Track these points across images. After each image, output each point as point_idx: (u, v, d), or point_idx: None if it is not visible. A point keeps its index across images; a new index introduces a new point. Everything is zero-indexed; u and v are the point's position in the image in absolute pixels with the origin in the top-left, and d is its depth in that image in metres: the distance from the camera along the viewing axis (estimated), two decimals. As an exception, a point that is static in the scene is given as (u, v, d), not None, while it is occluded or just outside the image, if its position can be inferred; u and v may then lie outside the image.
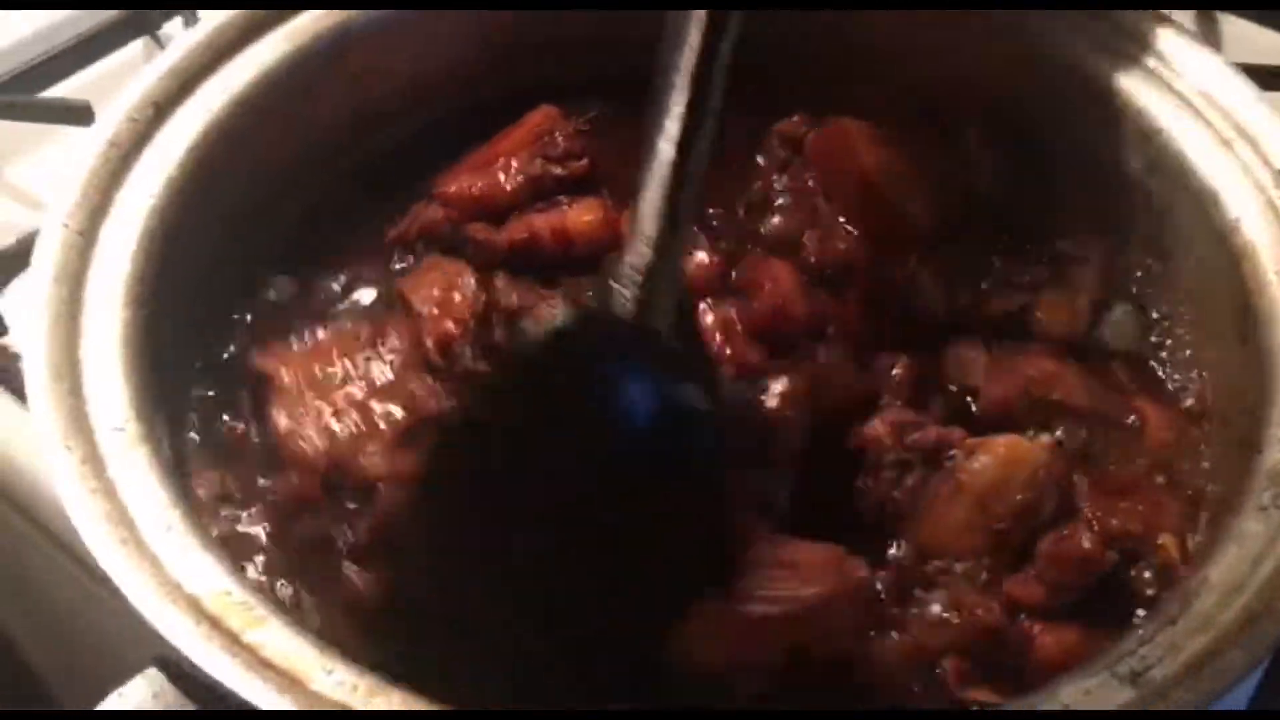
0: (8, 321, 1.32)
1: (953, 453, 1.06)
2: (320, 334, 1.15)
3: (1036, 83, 1.28)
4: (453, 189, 1.26)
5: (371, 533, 1.03)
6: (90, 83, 1.60)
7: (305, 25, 1.26)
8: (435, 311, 1.14)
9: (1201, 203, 1.16)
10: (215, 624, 0.85)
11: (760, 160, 1.31)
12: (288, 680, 0.83)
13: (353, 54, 1.29)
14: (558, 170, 1.25)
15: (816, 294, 1.18)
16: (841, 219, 1.24)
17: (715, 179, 1.26)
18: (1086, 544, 1.02)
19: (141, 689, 0.84)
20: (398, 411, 1.09)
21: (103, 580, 0.87)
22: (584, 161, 1.25)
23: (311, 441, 1.08)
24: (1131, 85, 1.22)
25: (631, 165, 0.98)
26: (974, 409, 1.13)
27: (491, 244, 1.22)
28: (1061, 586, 1.01)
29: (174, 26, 1.67)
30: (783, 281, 1.18)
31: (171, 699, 0.83)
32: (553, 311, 1.08)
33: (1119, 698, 0.84)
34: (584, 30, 1.36)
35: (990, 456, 1.05)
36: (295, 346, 1.14)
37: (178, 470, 1.01)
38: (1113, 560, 1.02)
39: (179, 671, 0.85)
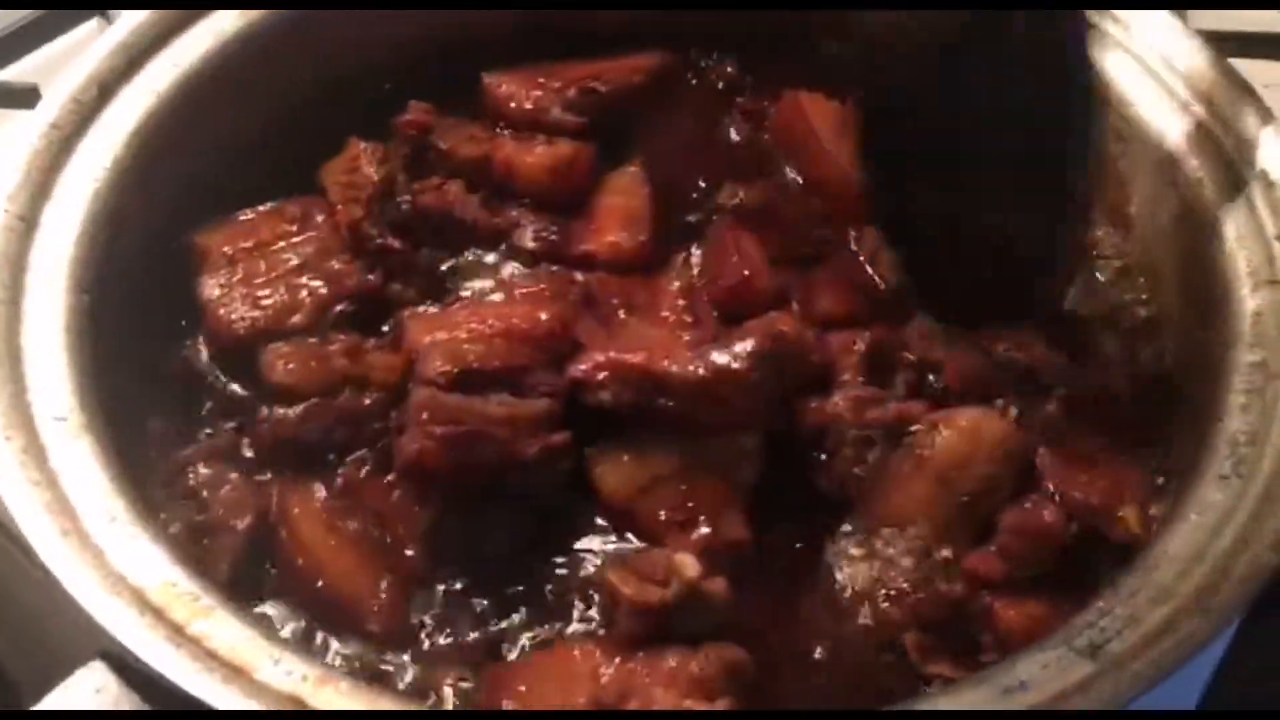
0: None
1: (914, 428, 1.05)
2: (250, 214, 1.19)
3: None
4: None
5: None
6: (39, 64, 1.56)
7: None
8: (342, 194, 1.19)
9: (1161, 168, 1.15)
10: (160, 615, 0.84)
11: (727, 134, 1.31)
12: (233, 671, 0.81)
13: (310, 27, 1.27)
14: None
15: (781, 267, 1.17)
16: (800, 180, 1.24)
17: (681, 155, 1.27)
18: (1048, 517, 1.01)
19: (85, 683, 0.82)
20: (320, 286, 1.14)
21: (45, 571, 0.86)
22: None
23: (236, 308, 1.12)
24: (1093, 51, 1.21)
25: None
26: (936, 383, 1.11)
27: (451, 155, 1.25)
28: (1023, 560, 1.01)
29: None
30: (749, 254, 1.18)
31: (115, 693, 0.81)
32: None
33: (1078, 671, 0.84)
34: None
35: (952, 431, 1.04)
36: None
37: (123, 458, 0.99)
38: (1073, 532, 1.01)
39: (123, 664, 0.83)
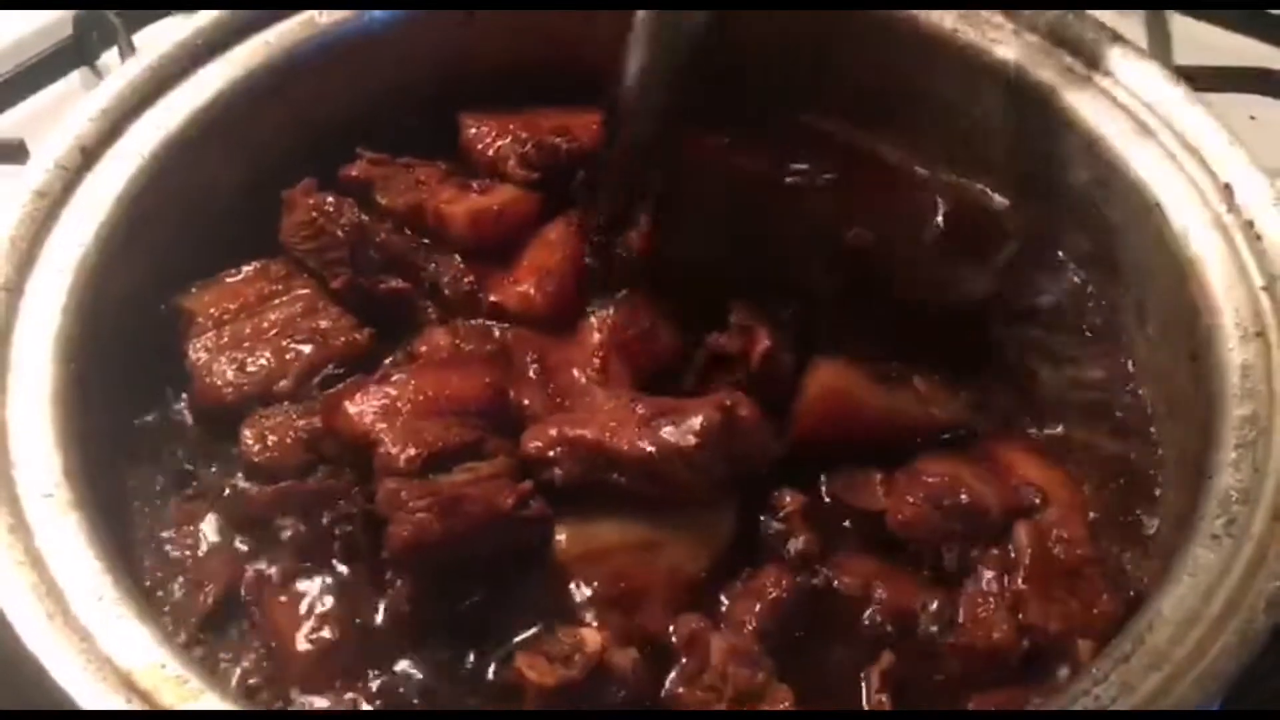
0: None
1: (764, 708, 0.97)
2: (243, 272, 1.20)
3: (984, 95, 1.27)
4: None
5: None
6: (25, 118, 1.56)
7: (240, 57, 1.23)
8: (320, 260, 1.20)
9: (1148, 216, 1.15)
10: (147, 699, 0.83)
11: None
12: (224, 758, 0.81)
13: (293, 83, 1.27)
14: None
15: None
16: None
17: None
18: (997, 634, 1.00)
19: (73, 770, 0.82)
20: (307, 348, 1.15)
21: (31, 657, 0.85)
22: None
23: (224, 375, 1.12)
24: (1077, 99, 1.21)
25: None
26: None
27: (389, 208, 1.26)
28: (970, 674, 1.01)
29: (112, 56, 1.63)
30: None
31: (103, 782, 0.81)
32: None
33: (1073, 741, 0.83)
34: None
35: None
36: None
37: (109, 527, 0.98)
38: (1022, 652, 1.00)
39: (111, 751, 0.83)
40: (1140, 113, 1.18)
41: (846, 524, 1.09)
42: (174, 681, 0.85)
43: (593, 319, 1.19)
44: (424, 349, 1.17)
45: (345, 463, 1.07)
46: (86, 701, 0.82)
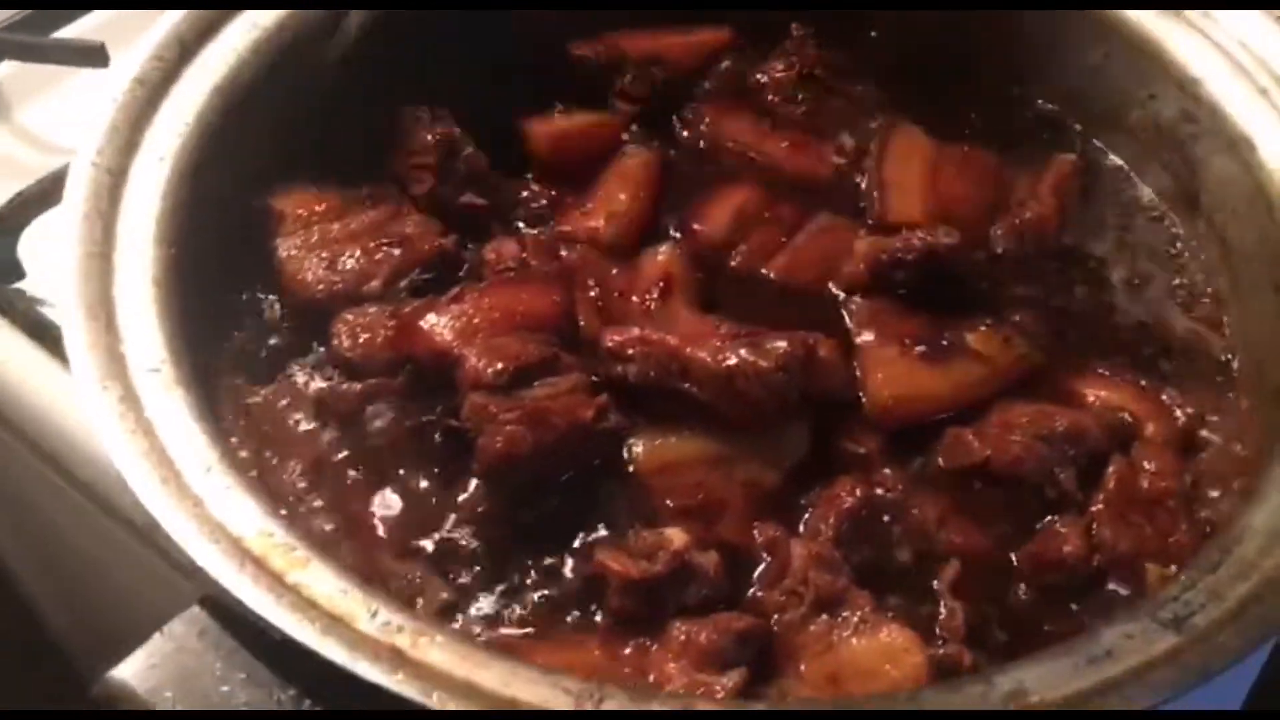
0: (25, 266, 1.30)
1: (845, 614, 0.98)
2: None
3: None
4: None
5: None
6: (103, 24, 1.57)
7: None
8: (408, 169, 1.22)
9: (1235, 150, 1.16)
10: (260, 565, 0.85)
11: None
12: (333, 620, 0.82)
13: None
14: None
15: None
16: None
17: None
18: (1068, 548, 1.01)
19: (188, 627, 0.83)
20: (396, 251, 1.16)
21: (129, 523, 0.86)
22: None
23: (315, 271, 1.14)
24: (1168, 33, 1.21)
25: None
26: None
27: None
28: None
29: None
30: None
31: (217, 637, 0.82)
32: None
33: (1162, 643, 0.85)
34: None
35: (868, 643, 0.97)
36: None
37: (213, 414, 1.00)
38: (1091, 569, 1.01)
39: (224, 611, 0.84)
40: (1231, 48, 1.18)
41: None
42: (283, 548, 0.86)
43: (659, 254, 1.20)
44: (492, 256, 1.18)
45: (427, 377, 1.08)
46: (204, 562, 0.83)
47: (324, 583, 0.85)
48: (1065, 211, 1.21)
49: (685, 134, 1.35)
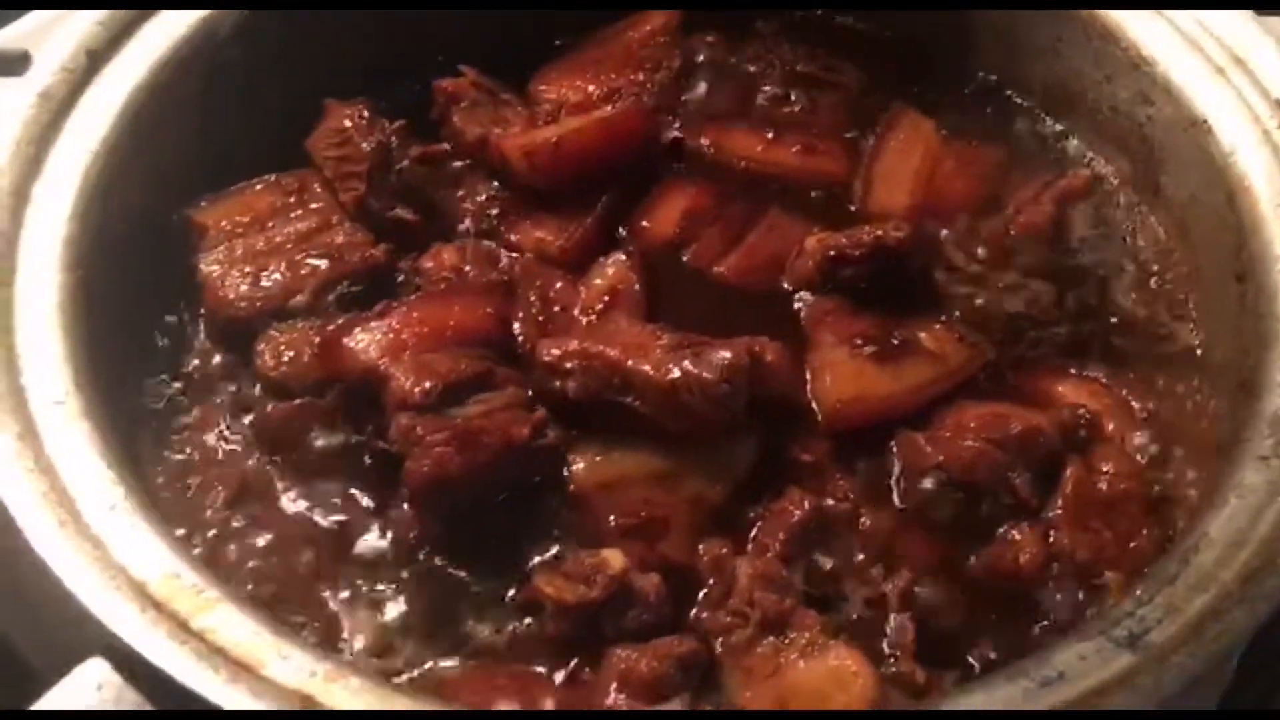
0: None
1: (792, 635, 0.94)
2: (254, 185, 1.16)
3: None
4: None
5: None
6: (27, 31, 1.51)
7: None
8: (336, 169, 1.17)
9: (1195, 135, 1.11)
10: (162, 609, 0.81)
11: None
12: (239, 667, 0.78)
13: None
14: None
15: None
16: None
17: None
18: (1023, 558, 0.97)
19: (86, 680, 0.79)
20: (323, 263, 1.11)
21: (42, 566, 0.82)
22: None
23: (237, 288, 1.09)
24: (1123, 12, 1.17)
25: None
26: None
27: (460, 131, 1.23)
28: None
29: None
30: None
31: (117, 690, 0.78)
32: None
33: (1117, 663, 0.81)
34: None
35: (815, 666, 0.92)
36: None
37: (127, 444, 0.96)
38: (1048, 577, 0.97)
39: (126, 660, 0.80)
40: (1187, 26, 1.14)
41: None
42: (190, 591, 0.82)
43: (608, 266, 1.15)
44: (430, 265, 1.13)
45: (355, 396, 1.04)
46: (100, 611, 0.79)
47: (233, 626, 0.81)
48: (1061, 223, 1.16)
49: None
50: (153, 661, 0.77)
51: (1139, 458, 1.04)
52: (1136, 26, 1.16)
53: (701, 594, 0.97)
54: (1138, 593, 0.85)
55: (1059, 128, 1.27)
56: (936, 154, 1.24)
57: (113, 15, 1.12)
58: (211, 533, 1.00)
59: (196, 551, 0.96)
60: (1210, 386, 1.07)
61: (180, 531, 0.96)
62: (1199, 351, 1.11)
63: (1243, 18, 1.12)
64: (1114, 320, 1.14)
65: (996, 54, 1.29)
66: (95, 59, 1.11)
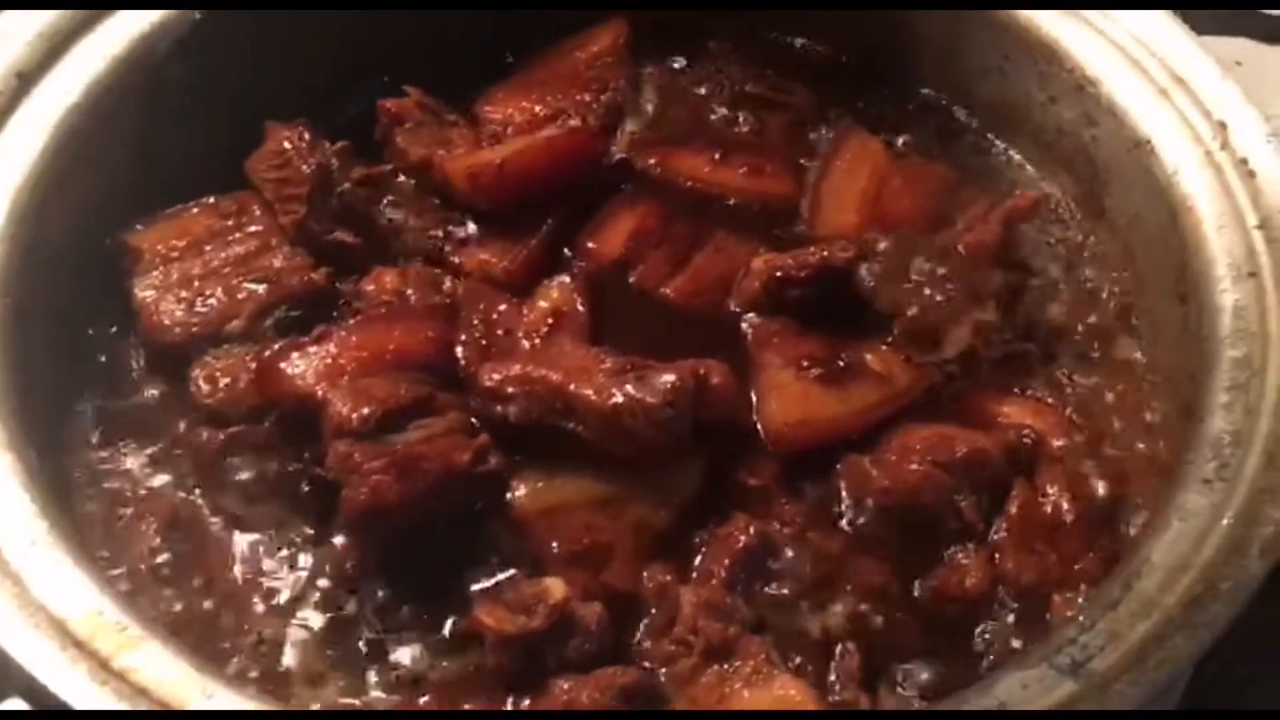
0: None
1: (737, 664, 0.93)
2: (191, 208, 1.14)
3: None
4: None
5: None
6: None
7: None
8: (276, 191, 1.15)
9: (1138, 155, 1.11)
10: (83, 648, 0.78)
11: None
12: (163, 708, 0.76)
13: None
14: None
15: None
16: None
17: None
18: (969, 581, 0.96)
19: (2, 722, 0.77)
20: (260, 288, 1.09)
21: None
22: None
23: (172, 314, 1.07)
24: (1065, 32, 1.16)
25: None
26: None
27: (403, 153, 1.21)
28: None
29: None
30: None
31: (36, 734, 0.76)
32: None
33: (1060, 691, 0.80)
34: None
35: (760, 696, 0.91)
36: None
37: (56, 475, 0.93)
38: (995, 599, 0.97)
39: (45, 701, 0.78)
40: (1130, 46, 1.14)
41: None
42: (113, 628, 0.80)
43: (552, 288, 1.13)
44: (371, 288, 1.11)
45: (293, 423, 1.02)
46: (16, 651, 0.77)
47: (156, 664, 0.79)
48: (1008, 243, 1.15)
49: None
50: (70, 704, 0.75)
51: (1083, 477, 1.03)
52: (1080, 48, 1.16)
53: (645, 622, 0.96)
54: (1080, 619, 0.84)
55: (1004, 147, 1.26)
56: (884, 173, 1.23)
57: (40, 36, 1.10)
58: (141, 565, 0.97)
59: (124, 587, 0.93)
60: (1155, 406, 1.07)
61: (109, 565, 0.94)
62: (1143, 371, 1.10)
63: (1185, 39, 1.12)
64: (1058, 340, 1.13)
65: (943, 74, 1.28)
66: (25, 80, 1.08)
